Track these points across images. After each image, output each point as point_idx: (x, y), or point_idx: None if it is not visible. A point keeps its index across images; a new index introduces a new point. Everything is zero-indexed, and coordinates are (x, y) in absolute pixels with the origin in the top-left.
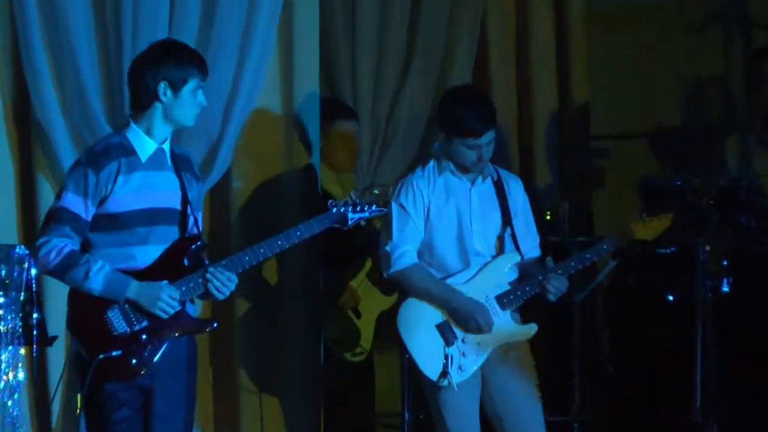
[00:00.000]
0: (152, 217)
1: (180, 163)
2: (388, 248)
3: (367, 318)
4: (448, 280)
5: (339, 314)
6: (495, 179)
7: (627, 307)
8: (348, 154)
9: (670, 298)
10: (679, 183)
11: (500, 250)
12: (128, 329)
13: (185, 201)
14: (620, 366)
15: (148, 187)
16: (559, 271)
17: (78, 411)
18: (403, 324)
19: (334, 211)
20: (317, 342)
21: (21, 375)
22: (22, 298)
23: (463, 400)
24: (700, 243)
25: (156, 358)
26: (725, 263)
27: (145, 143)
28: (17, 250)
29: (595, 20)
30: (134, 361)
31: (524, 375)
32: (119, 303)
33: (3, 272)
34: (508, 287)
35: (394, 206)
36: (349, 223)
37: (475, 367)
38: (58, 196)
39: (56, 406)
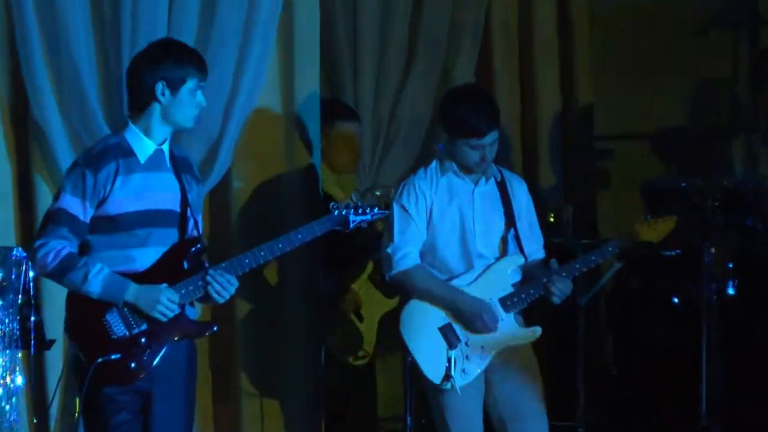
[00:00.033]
0: (151, 219)
1: (179, 165)
2: (389, 250)
3: (370, 321)
4: (451, 283)
5: (341, 319)
6: (498, 180)
7: (631, 309)
8: (349, 155)
9: (675, 300)
10: (684, 185)
11: (504, 251)
12: (127, 332)
13: (185, 203)
14: (625, 369)
15: (147, 189)
16: (564, 274)
17: (76, 415)
18: (406, 327)
19: (335, 213)
20: (318, 345)
21: (19, 379)
22: (19, 301)
23: (467, 404)
24: (705, 245)
25: (155, 362)
26: (731, 266)
27: (143, 144)
28: (15, 252)
29: (599, 20)
30: (133, 364)
31: (528, 378)
32: (118, 306)
33: (0, 275)
34: (511, 290)
35: (396, 207)
36: (351, 225)
37: (478, 371)
38: (56, 198)
39: (54, 410)
